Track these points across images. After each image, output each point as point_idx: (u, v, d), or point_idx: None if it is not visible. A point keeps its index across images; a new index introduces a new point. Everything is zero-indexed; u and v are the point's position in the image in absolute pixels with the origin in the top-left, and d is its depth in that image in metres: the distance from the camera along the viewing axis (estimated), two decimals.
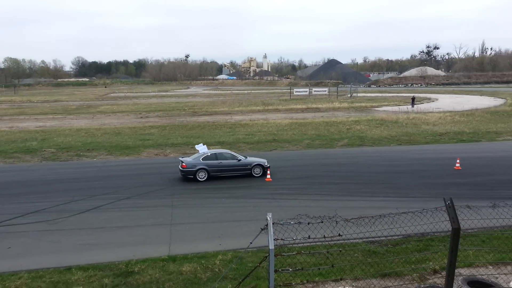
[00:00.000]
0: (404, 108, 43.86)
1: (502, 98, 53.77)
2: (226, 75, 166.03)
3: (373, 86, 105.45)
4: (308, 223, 5.58)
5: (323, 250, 7.70)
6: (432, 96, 61.71)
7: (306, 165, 18.70)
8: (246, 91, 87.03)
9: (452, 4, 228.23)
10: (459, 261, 7.96)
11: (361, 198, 13.45)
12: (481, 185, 14.63)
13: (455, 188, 14.28)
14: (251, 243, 5.90)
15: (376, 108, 45.54)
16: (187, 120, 37.29)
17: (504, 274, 7.23)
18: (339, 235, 5.84)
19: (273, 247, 5.12)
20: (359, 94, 67.13)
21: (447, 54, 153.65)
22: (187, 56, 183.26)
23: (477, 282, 5.82)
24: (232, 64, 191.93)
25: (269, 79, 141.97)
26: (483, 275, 7.04)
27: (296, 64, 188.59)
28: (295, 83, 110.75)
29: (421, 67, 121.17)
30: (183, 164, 16.22)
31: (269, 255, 5.17)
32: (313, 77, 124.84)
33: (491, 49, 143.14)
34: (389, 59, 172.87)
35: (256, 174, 16.58)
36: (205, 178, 16.09)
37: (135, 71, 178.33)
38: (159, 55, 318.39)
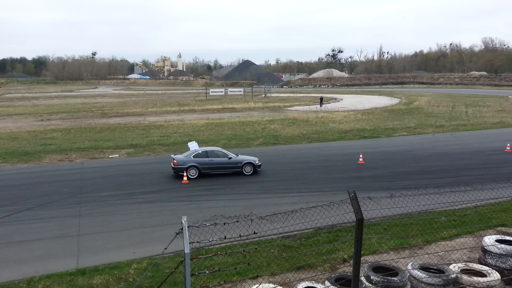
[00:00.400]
0: (313, 107, 46.33)
1: (397, 98, 59.66)
2: (138, 74, 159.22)
3: (285, 86, 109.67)
4: (224, 224, 5.58)
5: (240, 249, 7.78)
6: (338, 96, 66.13)
7: None
8: (160, 91, 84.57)
9: (353, 11, 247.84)
10: (365, 249, 8.64)
11: (276, 195, 13.88)
12: (381, 177, 16.05)
13: (359, 181, 15.47)
14: (165, 248, 5.72)
15: (289, 108, 47.43)
16: (96, 122, 35.02)
17: (403, 258, 8.01)
18: (254, 232, 5.94)
19: (188, 251, 5.02)
20: (272, 95, 69.33)
21: (350, 57, 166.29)
22: (94, 54, 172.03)
23: (381, 267, 6.34)
24: (145, 63, 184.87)
25: (184, 79, 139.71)
26: (386, 260, 7.69)
27: (212, 64, 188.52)
28: (211, 83, 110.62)
29: (327, 69, 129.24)
30: (174, 161, 16.25)
31: (184, 259, 5.07)
32: (229, 77, 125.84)
33: (388, 53, 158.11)
34: (299, 61, 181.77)
35: (247, 172, 16.67)
36: (195, 176, 16.20)
37: (35, 70, 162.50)
38: (62, 52, 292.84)
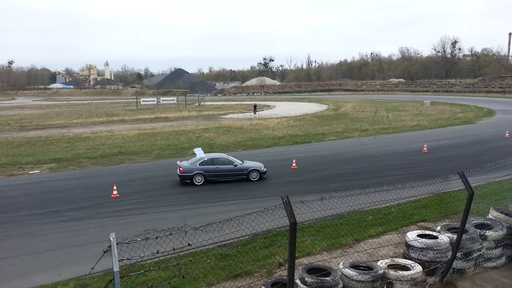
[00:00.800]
0: (247, 115, 46.88)
1: (326, 104, 62.50)
2: (61, 84, 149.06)
3: (219, 95, 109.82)
4: (157, 238, 5.37)
5: (174, 262, 7.55)
6: (271, 103, 67.64)
7: (156, 176, 18.18)
8: (86, 101, 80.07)
9: (282, 21, 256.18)
10: (300, 251, 8.85)
11: (211, 204, 13.74)
12: (313, 181, 16.62)
13: (293, 185, 15.89)
14: (92, 268, 5.35)
15: (223, 116, 47.48)
16: (13, 136, 32.13)
17: (335, 257, 8.31)
18: (189, 244, 5.80)
19: (117, 269, 4.74)
20: (206, 103, 69.02)
21: (281, 65, 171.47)
22: (11, 63, 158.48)
23: (315, 268, 6.51)
24: (68, 72, 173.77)
25: (112, 88, 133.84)
26: (319, 261, 7.92)
27: (142, 72, 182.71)
28: (142, 92, 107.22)
29: (260, 77, 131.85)
30: (181, 169, 16.34)
31: (114, 278, 4.79)
32: (161, 86, 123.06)
33: (315, 61, 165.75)
34: (233, 69, 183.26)
35: (253, 178, 16.83)
36: (201, 182, 16.34)
37: None
38: None
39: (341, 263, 6.66)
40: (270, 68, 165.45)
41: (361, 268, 6.52)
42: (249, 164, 17.40)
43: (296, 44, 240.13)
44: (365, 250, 8.41)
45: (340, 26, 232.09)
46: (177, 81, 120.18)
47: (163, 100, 70.28)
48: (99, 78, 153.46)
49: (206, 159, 16.80)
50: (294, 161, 19.46)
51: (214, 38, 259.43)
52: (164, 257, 7.65)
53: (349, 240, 9.43)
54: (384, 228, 10.07)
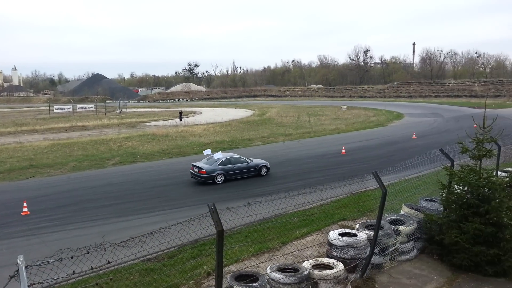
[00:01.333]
0: (173, 122, 45.88)
1: (251, 110, 63.52)
2: None
3: (142, 101, 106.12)
4: (72, 257, 4.95)
5: (93, 282, 7.04)
6: (197, 110, 67.01)
7: (74, 189, 16.94)
8: None
9: (206, 27, 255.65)
10: (228, 259, 8.79)
11: (136, 217, 13.13)
12: (239, 186, 16.71)
13: (220, 192, 15.79)
14: None
15: (147, 123, 45.90)
16: None
17: (263, 262, 8.40)
18: (109, 262, 5.44)
19: None
20: (129, 110, 66.21)
21: (206, 71, 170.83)
22: None
23: (243, 275, 6.51)
24: None
25: (22, 95, 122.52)
26: (247, 267, 7.94)
27: (56, 78, 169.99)
28: (55, 99, 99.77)
29: (185, 83, 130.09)
30: (202, 170, 16.86)
31: None
32: (77, 92, 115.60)
33: (240, 68, 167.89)
34: (156, 75, 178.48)
35: (263, 173, 18.25)
36: (222, 181, 17.12)
37: None
38: None
39: (268, 267, 6.74)
40: (196, 74, 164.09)
41: (288, 270, 6.66)
42: (258, 161, 18.72)
43: (221, 50, 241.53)
44: (291, 252, 8.62)
45: (263, 33, 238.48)
46: (95, 87, 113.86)
47: (79, 108, 66.05)
48: (6, 85, 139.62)
49: (224, 159, 17.63)
50: None
51: (136, 42, 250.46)
52: (81, 278, 7.11)
53: (276, 243, 9.60)
54: (308, 229, 10.43)
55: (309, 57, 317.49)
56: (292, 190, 11.57)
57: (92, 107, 66.71)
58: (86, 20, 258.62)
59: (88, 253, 5.04)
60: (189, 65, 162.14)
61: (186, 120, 47.58)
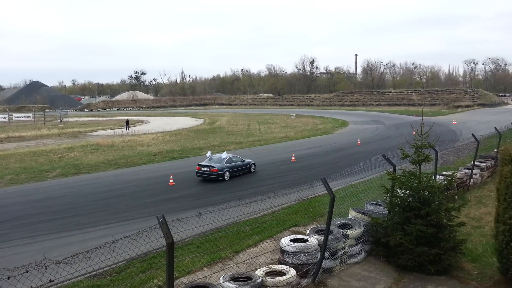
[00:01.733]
0: (119, 131, 44.28)
1: (201, 118, 63.03)
2: None
3: (85, 110, 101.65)
4: (9, 278, 4.56)
5: None
6: (145, 118, 65.29)
7: (11, 204, 15.75)
8: None
9: (154, 35, 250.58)
10: (180, 270, 8.56)
11: (80, 232, 12.42)
12: (191, 196, 16.43)
13: (170, 203, 15.43)
14: None
15: (91, 133, 43.96)
16: None
17: (215, 272, 8.27)
18: (50, 280, 5.09)
19: None
20: (70, 119, 63.10)
21: (154, 79, 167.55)
22: None
23: (195, 287, 6.36)
24: None
25: None
26: (200, 278, 7.78)
27: None
28: None
29: (132, 91, 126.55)
30: (214, 168, 18.87)
31: None
32: (13, 101, 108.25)
33: (189, 76, 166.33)
34: (100, 82, 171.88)
35: (253, 170, 21.11)
36: (228, 178, 19.20)
37: None
38: None
39: (221, 277, 6.65)
40: (143, 82, 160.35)
41: (241, 279, 6.61)
42: (248, 160, 21.43)
43: (170, 58, 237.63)
44: (244, 261, 8.58)
45: (212, 42, 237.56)
46: (33, 95, 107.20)
47: (16, 117, 61.98)
48: None
49: (228, 159, 19.83)
50: (171, 177, 18.99)
51: (78, 48, 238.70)
52: None
53: (228, 252, 9.51)
54: (261, 237, 10.45)
55: (258, 66, 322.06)
56: (244, 198, 11.58)
57: (30, 116, 62.79)
58: (20, 26, 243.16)
59: (27, 272, 4.68)
60: (136, 72, 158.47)
61: (133, 129, 46.18)
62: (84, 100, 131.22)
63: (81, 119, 66.39)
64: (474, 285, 7.53)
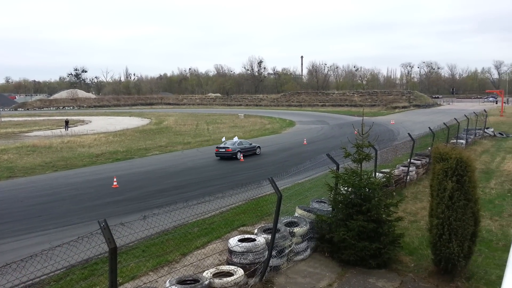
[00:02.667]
0: (57, 132, 41.88)
1: (148, 118, 61.33)
2: None
3: (20, 109, 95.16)
4: None
5: None
6: (86, 118, 62.34)
7: None
8: None
9: (96, 31, 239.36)
10: (124, 276, 8.26)
11: (13, 239, 11.57)
12: (136, 199, 15.91)
13: (114, 206, 14.84)
14: None
15: (26, 134, 41.20)
16: None
17: (162, 276, 8.06)
18: None
19: None
20: (3, 119, 58.59)
21: (96, 77, 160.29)
22: None
23: None
24: None
25: None
26: (145, 283, 7.55)
27: None
28: None
29: (71, 90, 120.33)
30: (229, 148, 24.46)
31: None
32: None
33: (134, 74, 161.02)
34: (37, 80, 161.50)
35: (258, 152, 26.29)
36: (241, 157, 24.35)
37: None
38: None
39: (167, 281, 6.51)
40: (83, 80, 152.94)
41: (188, 282, 6.50)
42: (254, 144, 26.92)
43: (113, 55, 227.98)
44: (192, 263, 8.46)
45: (158, 40, 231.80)
46: None
47: None
48: None
49: (239, 142, 25.99)
50: (115, 179, 18.26)
51: (12, 44, 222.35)
52: None
53: (175, 255, 9.32)
54: (209, 238, 10.37)
55: (206, 66, 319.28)
56: (191, 200, 11.40)
57: None
58: None
59: None
60: (76, 70, 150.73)
61: (73, 129, 43.89)
62: (19, 98, 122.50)
63: (15, 118, 61.93)
64: (411, 276, 8.01)
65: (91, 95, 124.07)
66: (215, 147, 25.75)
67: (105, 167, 23.25)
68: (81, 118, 62.70)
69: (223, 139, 27.63)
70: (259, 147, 26.68)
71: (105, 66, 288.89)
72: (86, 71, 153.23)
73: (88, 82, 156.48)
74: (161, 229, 9.22)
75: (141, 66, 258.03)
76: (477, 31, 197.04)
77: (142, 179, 19.71)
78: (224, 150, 24.64)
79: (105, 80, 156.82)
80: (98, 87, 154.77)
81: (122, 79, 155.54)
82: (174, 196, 15.69)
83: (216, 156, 24.88)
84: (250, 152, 25.65)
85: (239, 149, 24.79)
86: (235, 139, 26.63)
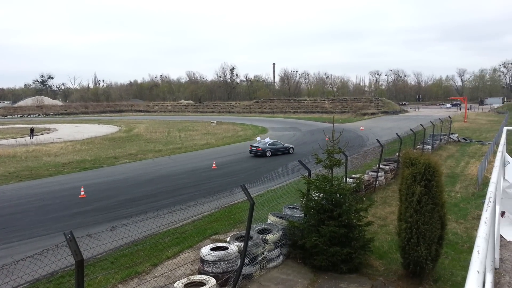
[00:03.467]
0: (22, 140, 40.27)
1: (117, 126, 60.01)
2: None
3: None
4: None
5: None
6: (52, 126, 60.35)
7: None
8: None
9: (63, 36, 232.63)
10: None
11: None
12: (105, 209, 15.46)
13: (81, 217, 14.35)
14: None
15: None
16: None
17: (135, 287, 7.84)
18: None
19: None
20: None
21: (63, 84, 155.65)
22: None
23: None
24: None
25: None
26: None
27: None
28: None
29: (37, 97, 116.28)
30: (259, 147, 28.46)
31: None
32: None
33: (103, 81, 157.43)
34: (0, 87, 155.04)
35: (291, 152, 29.18)
36: (270, 155, 28.06)
37: None
38: None
39: None
40: (50, 87, 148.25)
41: None
42: (288, 145, 30.41)
43: (81, 61, 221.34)
44: (163, 274, 8.28)
45: (128, 46, 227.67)
46: None
47: None
48: None
49: (270, 142, 29.41)
50: (82, 189, 17.71)
51: None
52: None
53: (146, 266, 9.10)
54: (180, 248, 10.19)
55: (178, 73, 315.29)
56: (162, 209, 11.20)
57: None
58: None
59: None
60: (42, 76, 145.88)
61: (39, 138, 42.32)
62: None
63: None
64: (381, 280, 8.15)
65: (58, 103, 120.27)
66: (250, 145, 29.92)
67: (72, 177, 22.50)
68: (47, 126, 60.60)
69: (258, 138, 33.19)
70: (292, 147, 29.92)
71: (72, 73, 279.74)
72: (52, 78, 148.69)
73: (55, 89, 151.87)
74: (131, 240, 9.03)
75: (110, 73, 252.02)
76: (441, 40, 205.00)
77: (111, 189, 19.20)
78: (255, 148, 28.60)
79: (72, 87, 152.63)
80: (65, 94, 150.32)
81: (91, 85, 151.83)
82: (145, 206, 15.36)
83: (250, 153, 28.81)
84: (282, 152, 28.95)
85: (269, 149, 28.49)
86: (267, 139, 30.41)
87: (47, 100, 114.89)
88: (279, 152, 28.84)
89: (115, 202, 16.49)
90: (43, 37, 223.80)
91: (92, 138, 42.60)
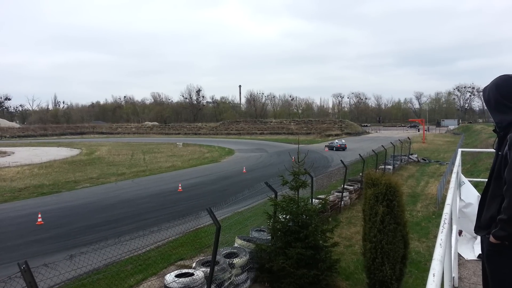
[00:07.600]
0: None
1: (78, 149, 58.01)
2: None
3: None
4: None
5: None
6: (8, 149, 57.52)
7: None
8: None
9: (20, 56, 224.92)
10: None
11: None
12: (64, 236, 14.70)
13: (38, 245, 13.56)
14: None
15: None
16: None
17: None
18: None
19: None
20: None
21: (21, 105, 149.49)
22: None
23: None
24: None
25: None
26: None
27: None
28: None
29: None
30: (326, 148, 45.65)
31: None
32: None
33: (64, 102, 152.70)
34: None
35: (345, 149, 44.27)
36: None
37: None
38: None
39: None
40: (7, 108, 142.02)
41: None
42: (343, 141, 45.90)
43: (40, 82, 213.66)
44: None
45: (90, 67, 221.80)
46: None
47: None
48: None
49: (339, 141, 47.16)
50: (39, 215, 16.81)
51: None
52: None
53: None
54: (143, 275, 9.81)
55: (142, 94, 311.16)
56: (125, 235, 10.80)
57: None
58: None
59: None
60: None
61: None
62: None
63: None
64: None
65: (14, 125, 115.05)
66: (325, 146, 43.87)
67: (28, 202, 21.37)
68: (3, 149, 57.62)
69: (336, 140, 51.03)
70: (345, 145, 46.08)
71: (31, 94, 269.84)
72: (9, 99, 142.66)
73: (12, 110, 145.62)
74: (91, 269, 8.59)
75: (71, 94, 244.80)
76: (399, 65, 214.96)
77: (70, 215, 18.35)
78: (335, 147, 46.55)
79: (31, 109, 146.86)
80: (23, 115, 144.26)
81: (50, 107, 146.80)
82: (106, 232, 14.76)
83: (328, 150, 43.50)
84: (342, 150, 44.76)
85: (338, 147, 45.95)
86: (340, 142, 46.86)
87: (3, 122, 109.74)
88: (340, 149, 45.90)
89: (75, 229, 15.73)
90: (1, 57, 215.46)
91: (51, 161, 40.90)
